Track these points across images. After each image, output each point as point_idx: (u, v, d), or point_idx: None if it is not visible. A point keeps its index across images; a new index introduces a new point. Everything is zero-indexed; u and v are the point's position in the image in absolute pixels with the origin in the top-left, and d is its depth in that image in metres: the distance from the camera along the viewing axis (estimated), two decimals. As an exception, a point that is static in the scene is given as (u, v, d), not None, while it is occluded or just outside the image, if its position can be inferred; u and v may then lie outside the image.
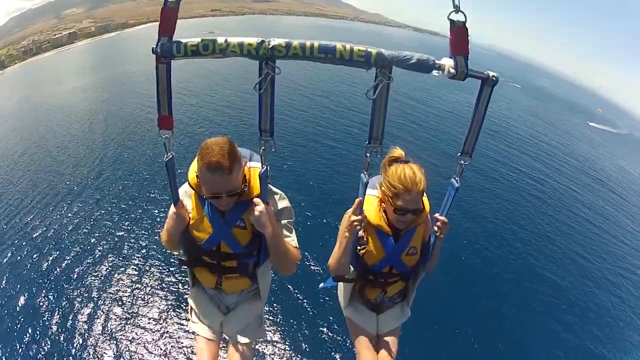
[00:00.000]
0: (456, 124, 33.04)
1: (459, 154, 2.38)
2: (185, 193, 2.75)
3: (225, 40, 2.02)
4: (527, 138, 38.03)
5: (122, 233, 15.27)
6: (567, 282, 15.92)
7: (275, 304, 11.98)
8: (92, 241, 14.88)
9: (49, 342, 11.18)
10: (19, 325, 11.67)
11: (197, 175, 2.48)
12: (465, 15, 1.90)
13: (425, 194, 2.83)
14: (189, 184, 2.66)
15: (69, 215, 16.56)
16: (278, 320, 11.68)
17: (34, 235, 15.42)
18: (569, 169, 31.89)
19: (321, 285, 3.53)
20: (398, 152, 2.86)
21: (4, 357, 10.83)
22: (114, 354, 10.84)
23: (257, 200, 2.46)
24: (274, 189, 2.78)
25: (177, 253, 2.97)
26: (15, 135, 27.96)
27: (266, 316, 10.54)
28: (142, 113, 28.72)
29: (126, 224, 15.81)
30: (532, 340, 12.72)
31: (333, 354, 11.03)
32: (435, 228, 2.73)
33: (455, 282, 14.00)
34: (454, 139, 28.42)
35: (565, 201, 24.51)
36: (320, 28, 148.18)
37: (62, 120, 29.64)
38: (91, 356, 10.80)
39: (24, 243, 15.03)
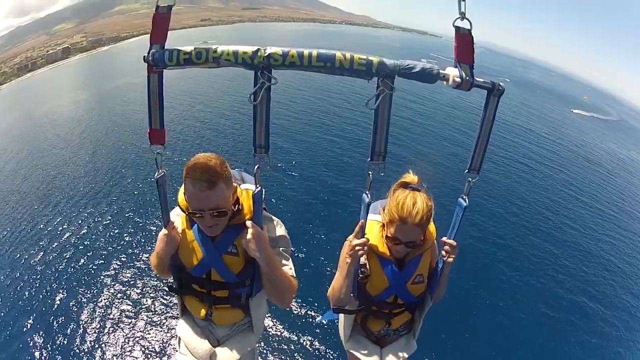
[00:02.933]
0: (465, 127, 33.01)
1: (466, 170, 2.23)
2: (177, 215, 2.60)
3: (220, 49, 1.92)
4: (515, 125, 39.49)
5: (114, 253, 14.97)
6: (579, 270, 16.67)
7: (269, 337, 11.49)
8: (81, 261, 14.66)
9: (42, 336, 11.51)
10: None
11: (185, 192, 2.32)
12: (470, 22, 1.81)
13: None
14: (179, 206, 2.50)
15: (74, 217, 16.89)
16: (273, 355, 11.21)
17: (45, 234, 15.92)
18: (551, 151, 33.63)
19: (319, 318, 3.36)
20: (410, 177, 2.67)
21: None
22: (106, 351, 10.97)
23: (249, 223, 2.30)
24: (270, 216, 2.64)
25: (167, 280, 2.78)
26: (20, 149, 27.84)
27: (260, 350, 10.24)
28: (145, 124, 28.37)
29: (118, 244, 15.52)
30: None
31: None
32: (443, 252, 2.55)
33: (453, 281, 13.72)
34: (461, 152, 27.86)
35: (554, 183, 25.96)
36: (309, 33, 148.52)
37: (66, 133, 29.54)
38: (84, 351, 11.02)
39: (18, 254, 15.14)
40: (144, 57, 2.00)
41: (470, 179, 2.25)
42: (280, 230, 2.62)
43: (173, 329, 11.25)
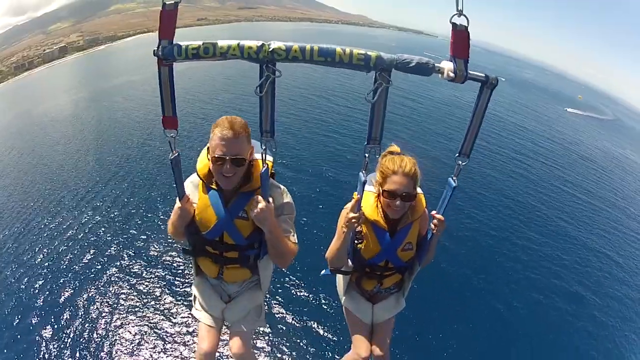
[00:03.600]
0: (457, 123, 33.10)
1: (457, 154, 2.39)
2: (192, 184, 2.83)
3: (226, 44, 2.04)
4: (509, 123, 39.98)
5: (131, 228, 15.62)
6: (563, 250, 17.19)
7: (275, 294, 12.17)
8: (101, 235, 15.29)
9: (51, 332, 11.40)
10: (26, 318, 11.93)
11: (208, 148, 2.59)
12: (467, 19, 1.89)
13: (420, 189, 2.92)
14: (197, 174, 2.74)
15: (79, 212, 16.93)
16: (278, 309, 11.87)
17: (50, 230, 15.93)
18: (545, 148, 33.99)
19: (322, 272, 3.58)
20: (394, 147, 3.01)
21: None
22: (117, 339, 11.05)
23: (258, 197, 2.51)
24: (277, 184, 2.82)
25: (182, 243, 3.03)
26: (21, 146, 27.68)
27: (266, 305, 10.57)
28: (146, 119, 28.62)
29: (135, 218, 16.25)
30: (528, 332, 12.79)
31: (330, 341, 11.16)
32: (432, 225, 2.76)
33: (451, 273, 14.08)
34: (454, 138, 28.34)
35: (549, 178, 26.33)
36: (306, 32, 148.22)
37: (67, 130, 29.51)
38: (95, 343, 11.02)
39: (40, 240, 15.41)
40: (154, 51, 2.10)
41: (460, 162, 2.41)
42: (286, 197, 2.82)
43: (189, 289, 11.49)
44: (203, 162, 2.69)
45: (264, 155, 2.38)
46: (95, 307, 12.09)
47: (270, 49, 2.01)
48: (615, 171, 33.75)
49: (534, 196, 22.30)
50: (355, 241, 2.99)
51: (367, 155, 2.34)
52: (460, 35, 1.96)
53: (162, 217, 15.97)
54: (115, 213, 16.86)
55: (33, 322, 11.80)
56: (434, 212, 2.75)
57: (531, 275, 15.15)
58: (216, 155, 2.46)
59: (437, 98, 43.57)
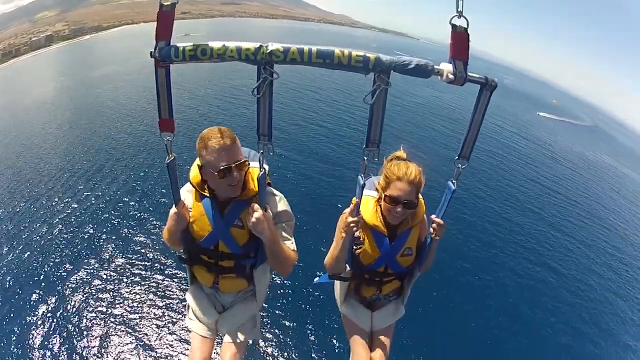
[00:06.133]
0: (457, 127, 33.48)
1: (456, 157, 2.31)
2: (187, 192, 2.69)
3: (223, 45, 1.93)
4: (487, 124, 40.04)
5: (124, 232, 14.68)
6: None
7: (270, 300, 11.66)
8: (92, 239, 14.27)
9: (43, 337, 10.68)
10: (17, 322, 11.11)
11: (200, 167, 2.45)
12: (467, 20, 1.82)
13: (421, 196, 2.79)
14: (190, 182, 2.61)
15: (71, 214, 15.83)
16: (273, 316, 11.43)
17: (38, 233, 14.76)
18: (512, 147, 35.21)
19: (315, 280, 3.48)
20: (401, 152, 2.89)
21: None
22: (109, 348, 10.47)
23: (255, 205, 2.38)
24: (273, 191, 2.71)
25: (177, 251, 2.88)
26: (12, 132, 26.46)
27: (261, 313, 10.30)
28: (141, 113, 27.75)
29: (128, 222, 15.21)
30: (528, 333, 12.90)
31: (328, 350, 10.82)
32: (431, 230, 2.67)
33: (448, 277, 13.89)
34: (453, 141, 28.43)
35: (520, 178, 27.20)
36: (288, 30, 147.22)
37: (58, 119, 28.42)
38: (87, 351, 10.38)
39: (26, 242, 14.32)
40: (151, 52, 1.99)
41: (459, 165, 2.33)
42: (282, 205, 2.69)
43: (183, 298, 11.13)
44: (196, 170, 2.55)
45: (261, 159, 2.30)
46: (83, 315, 11.34)
47: (268, 51, 1.91)
48: (581, 167, 36.34)
49: (505, 189, 23.71)
50: (354, 246, 2.87)
51: (365, 158, 2.25)
52: (460, 37, 1.89)
53: (162, 212, 15.15)
54: (108, 211, 15.99)
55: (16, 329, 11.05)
56: (433, 216, 2.66)
57: (504, 256, 16.12)
58: (222, 167, 2.31)
59: (439, 98, 43.93)
